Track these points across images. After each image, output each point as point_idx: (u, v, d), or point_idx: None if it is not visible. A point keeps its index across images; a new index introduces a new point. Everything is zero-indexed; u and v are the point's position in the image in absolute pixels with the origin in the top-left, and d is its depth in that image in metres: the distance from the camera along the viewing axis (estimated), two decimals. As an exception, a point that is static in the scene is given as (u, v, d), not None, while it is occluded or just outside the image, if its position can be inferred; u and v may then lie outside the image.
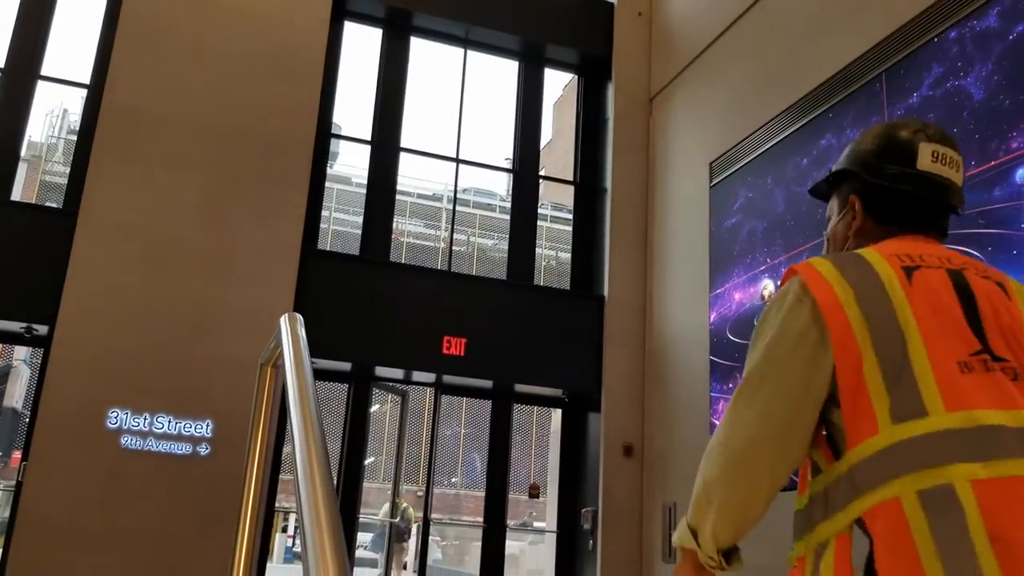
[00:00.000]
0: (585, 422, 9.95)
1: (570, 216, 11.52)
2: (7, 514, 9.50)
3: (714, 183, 9.12)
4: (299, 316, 1.97)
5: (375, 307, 9.24)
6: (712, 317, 8.68)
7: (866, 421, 1.33)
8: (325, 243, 12.99)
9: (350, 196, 17.55)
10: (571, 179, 11.09)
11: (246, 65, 9.19)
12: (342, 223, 17.89)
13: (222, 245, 8.68)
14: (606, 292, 10.08)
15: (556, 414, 10.44)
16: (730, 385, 8.18)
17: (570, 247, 10.94)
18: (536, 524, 13.09)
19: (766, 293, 8.07)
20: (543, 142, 11.31)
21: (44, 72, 9.21)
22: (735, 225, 8.67)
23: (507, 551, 9.84)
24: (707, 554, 1.50)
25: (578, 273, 10.54)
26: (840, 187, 1.71)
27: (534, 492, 10.07)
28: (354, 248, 10.36)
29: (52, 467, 7.66)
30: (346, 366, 9.28)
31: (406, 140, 10.33)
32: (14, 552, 7.46)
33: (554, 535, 9.90)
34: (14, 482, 8.13)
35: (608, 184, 10.48)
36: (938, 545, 1.19)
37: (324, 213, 10.45)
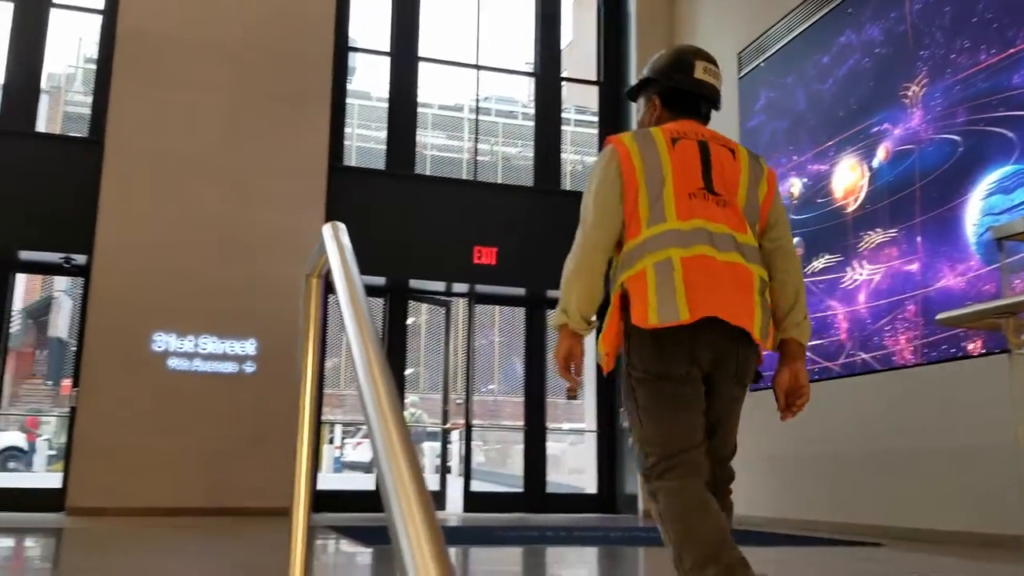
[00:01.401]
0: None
1: (595, 118, 11.33)
2: (64, 439, 9.85)
3: (742, 74, 8.93)
4: (341, 224, 1.97)
5: (404, 221, 9.24)
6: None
7: (635, 226, 2.28)
8: (350, 159, 12.89)
9: (371, 111, 17.36)
10: (595, 79, 10.86)
11: (258, -20, 9.00)
12: (365, 139, 17.76)
13: (248, 165, 8.68)
14: (635, 193, 10.00)
15: (590, 317, 10.50)
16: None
17: (596, 150, 10.80)
18: (575, 425, 13.35)
19: (795, 191, 7.99)
20: (564, 43, 11.04)
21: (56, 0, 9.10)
22: (757, 126, 8.64)
23: (548, 452, 10.07)
24: (575, 323, 2.30)
25: (606, 176, 10.43)
26: (645, 90, 2.58)
27: (572, 394, 10.24)
28: (379, 163, 10.30)
29: (102, 392, 7.88)
30: (380, 280, 9.35)
31: (424, 50, 10.13)
32: (74, 474, 7.76)
33: (594, 435, 10.09)
34: (68, 408, 8.40)
35: (632, 81, 10.25)
36: (658, 286, 2.16)
37: (347, 130, 10.34)
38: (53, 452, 14.27)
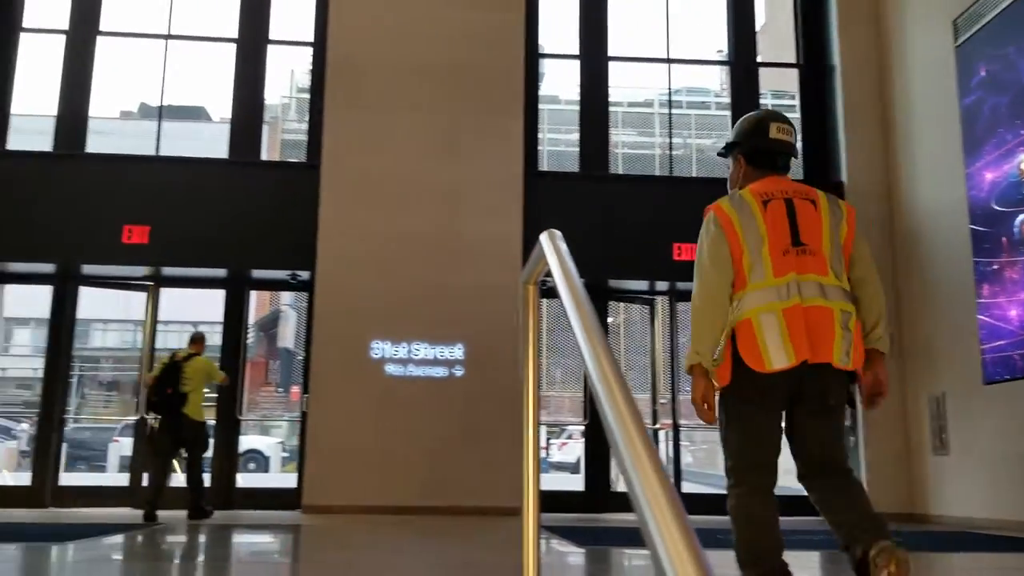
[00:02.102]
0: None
1: (795, 102, 10.84)
2: (296, 442, 10.61)
3: (958, 43, 8.23)
4: (557, 232, 2.00)
5: (602, 221, 9.26)
6: (968, 191, 7.94)
7: (740, 279, 2.79)
8: (543, 164, 13.09)
9: (561, 115, 17.53)
10: (793, 62, 10.40)
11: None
12: (556, 142, 17.95)
13: (452, 177, 9.00)
14: (844, 178, 9.48)
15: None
16: (1000, 256, 7.50)
17: (798, 135, 10.32)
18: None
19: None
20: (757, 25, 10.64)
21: (272, 36, 9.87)
22: (975, 102, 7.95)
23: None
24: (707, 361, 2.75)
25: (810, 161, 9.96)
26: (732, 151, 3.12)
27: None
28: (572, 165, 10.38)
29: (329, 397, 8.44)
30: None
31: (613, 49, 10.10)
32: (307, 475, 8.35)
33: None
34: (298, 413, 9.06)
35: (836, 61, 9.74)
36: (767, 336, 2.68)
37: (538, 135, 10.50)
38: (286, 454, 15.49)
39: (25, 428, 14.74)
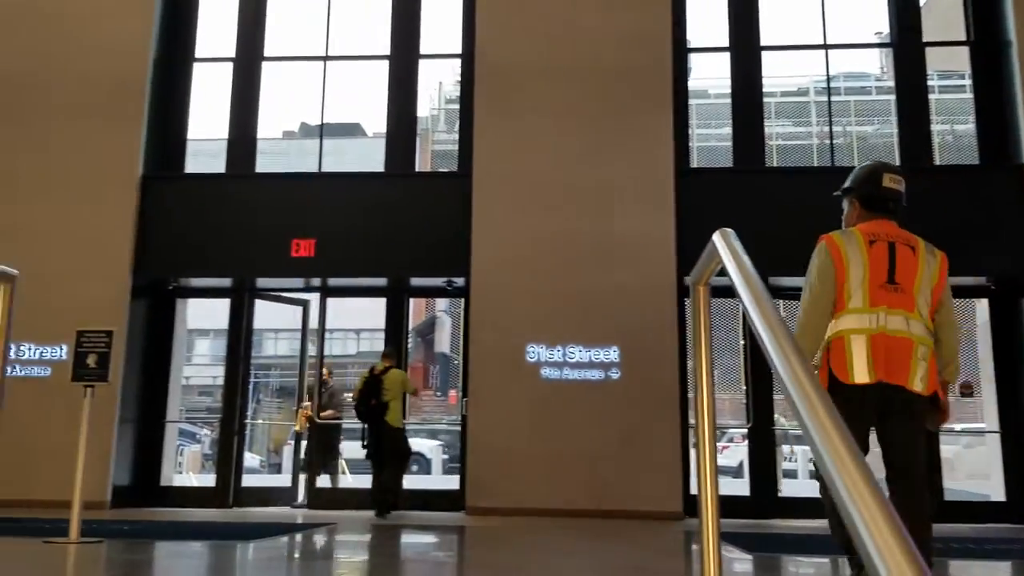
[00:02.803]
0: (1018, 309, 8.85)
1: (965, 82, 10.15)
2: (457, 446, 10.80)
3: None
4: (730, 230, 1.94)
5: (758, 216, 8.95)
6: None
7: (840, 303, 3.32)
8: (695, 161, 12.86)
9: (711, 109, 17.13)
10: (963, 39, 9.73)
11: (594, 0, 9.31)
12: (706, 138, 17.56)
13: (603, 178, 8.96)
14: (1025, 159, 8.79)
15: (981, 305, 9.37)
16: None
17: (970, 116, 9.65)
18: (971, 425, 11.98)
19: None
20: (921, 2, 10.02)
21: (422, 51, 10.15)
22: None
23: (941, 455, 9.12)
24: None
25: (986, 144, 9.28)
26: (848, 195, 3.61)
27: (966, 391, 9.17)
28: (725, 160, 10.11)
29: (487, 401, 8.58)
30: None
31: (766, 38, 9.77)
32: (469, 477, 8.51)
33: (996, 435, 8.97)
34: (457, 417, 9.25)
35: (1012, 35, 9.03)
36: (855, 355, 3.23)
37: (688, 131, 10.29)
38: (447, 457, 15.90)
39: (207, 433, 15.81)
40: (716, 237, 1.93)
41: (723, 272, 1.87)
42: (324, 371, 9.81)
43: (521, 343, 8.63)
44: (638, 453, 8.24)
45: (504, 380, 8.59)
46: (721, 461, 19.12)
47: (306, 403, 9.49)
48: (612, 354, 8.57)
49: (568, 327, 8.65)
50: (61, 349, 8.63)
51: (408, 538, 6.75)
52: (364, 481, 9.29)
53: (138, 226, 9.26)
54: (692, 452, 13.83)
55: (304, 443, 9.82)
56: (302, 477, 9.64)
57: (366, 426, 8.40)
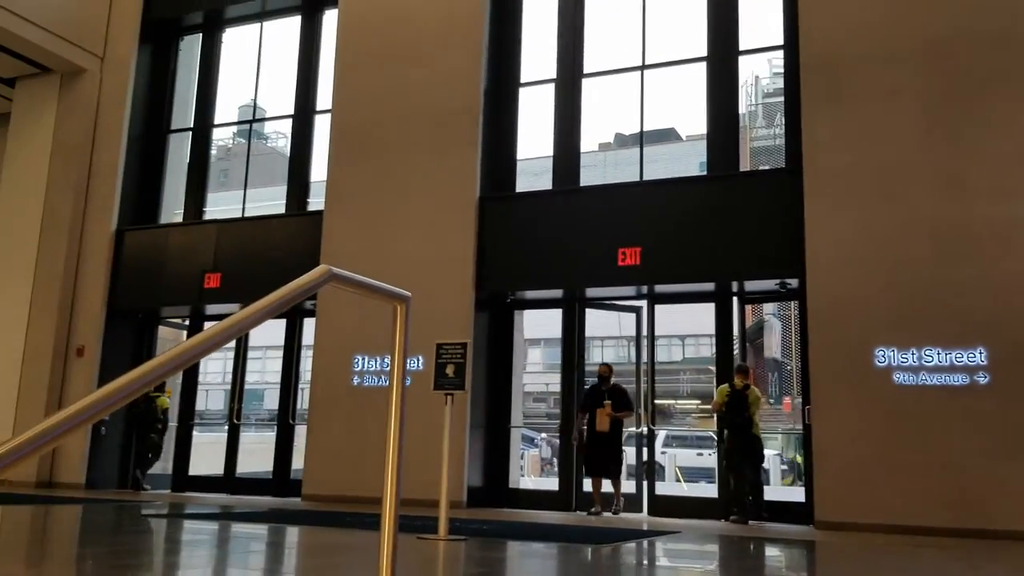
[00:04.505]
0: None
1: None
2: (793, 455, 10.32)
3: None
4: None
5: None
6: None
7: None
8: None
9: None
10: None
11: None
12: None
13: (952, 162, 8.11)
14: None
15: None
16: None
17: None
18: None
19: None
20: None
21: (741, 47, 9.87)
22: None
23: None
24: None
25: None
26: None
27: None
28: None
29: (832, 409, 8.07)
30: None
31: None
32: (817, 489, 8.03)
33: None
34: (792, 424, 8.81)
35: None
36: None
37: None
38: (785, 467, 15.23)
39: (544, 437, 16.57)
40: None
41: None
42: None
43: (868, 346, 8.02)
44: (1018, 467, 7.31)
45: (851, 387, 8.03)
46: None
47: (606, 401, 9.35)
48: (978, 356, 7.68)
49: (922, 327, 7.90)
50: (418, 360, 9.47)
51: (759, 551, 6.52)
52: (696, 489, 9.16)
53: (478, 244, 9.95)
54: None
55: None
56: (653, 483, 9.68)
57: (725, 433, 8.95)
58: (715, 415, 9.25)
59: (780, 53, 9.81)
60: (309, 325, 10.97)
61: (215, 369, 18.92)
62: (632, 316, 10.19)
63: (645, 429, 9.67)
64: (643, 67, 10.32)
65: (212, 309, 11.91)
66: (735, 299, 9.60)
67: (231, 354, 12.21)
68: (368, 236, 10.29)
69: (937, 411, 7.71)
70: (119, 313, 11.95)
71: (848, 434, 7.92)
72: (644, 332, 10.01)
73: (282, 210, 11.86)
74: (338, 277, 2.43)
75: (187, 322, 12.62)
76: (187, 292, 11.61)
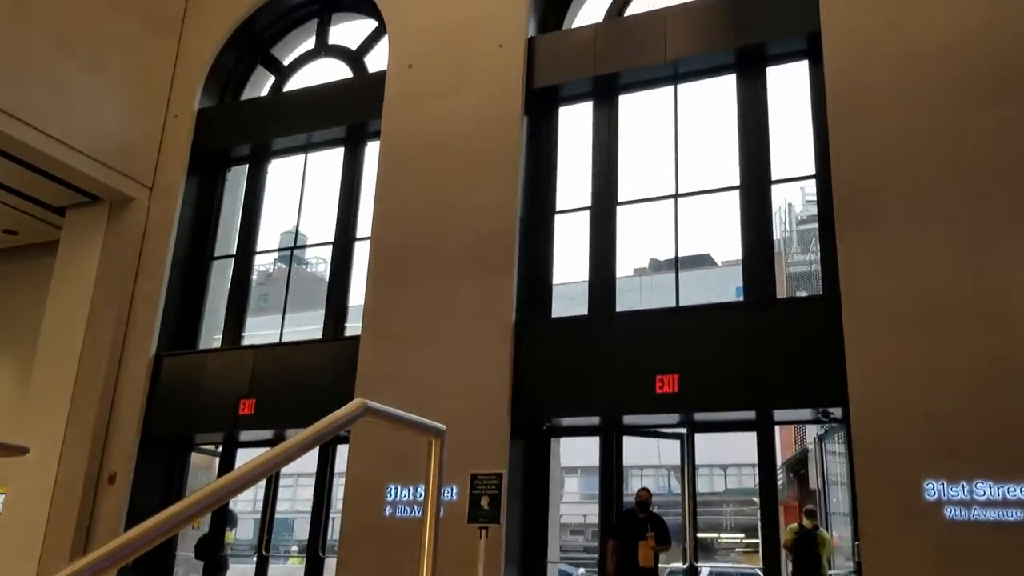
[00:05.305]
0: None
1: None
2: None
3: None
4: None
5: None
6: None
7: None
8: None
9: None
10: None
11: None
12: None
13: (990, 289, 7.97)
14: None
15: None
16: None
17: None
18: None
19: None
20: None
21: (774, 176, 9.99)
22: None
23: None
24: None
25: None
26: None
27: None
28: None
29: (881, 545, 7.69)
30: None
31: None
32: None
33: None
34: (844, 560, 8.39)
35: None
36: None
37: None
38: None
39: (583, 573, 15.94)
40: None
41: None
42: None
43: (916, 478, 7.69)
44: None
45: (899, 519, 7.67)
46: None
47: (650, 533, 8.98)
48: (1033, 490, 7.33)
49: (970, 458, 7.58)
50: (452, 490, 9.25)
51: None
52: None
53: (513, 370, 9.87)
54: None
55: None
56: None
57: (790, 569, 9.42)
58: (784, 551, 9.52)
59: (812, 182, 9.91)
60: (342, 452, 10.85)
61: (245, 497, 18.72)
62: (672, 444, 9.96)
63: (687, 564, 9.27)
64: (676, 195, 10.44)
65: (246, 435, 11.85)
66: (776, 428, 9.37)
67: (262, 482, 12.05)
68: (403, 361, 10.27)
69: (993, 551, 7.31)
70: (152, 439, 11.93)
71: (898, 571, 7.51)
72: (685, 460, 9.75)
73: (319, 335, 11.94)
74: (373, 411, 2.39)
75: (220, 448, 12.55)
76: (221, 418, 11.59)
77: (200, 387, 11.88)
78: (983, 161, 8.33)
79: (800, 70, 10.20)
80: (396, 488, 9.80)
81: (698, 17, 10.64)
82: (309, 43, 13.90)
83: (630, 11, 11.45)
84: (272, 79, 13.94)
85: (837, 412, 8.68)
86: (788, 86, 10.45)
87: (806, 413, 9.26)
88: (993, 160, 8.29)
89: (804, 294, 14.50)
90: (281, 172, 13.62)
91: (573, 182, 11.23)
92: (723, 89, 10.70)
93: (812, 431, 15.23)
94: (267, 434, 11.60)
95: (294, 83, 13.65)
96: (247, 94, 13.88)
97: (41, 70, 11.50)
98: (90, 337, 12.27)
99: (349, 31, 13.65)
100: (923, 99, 8.74)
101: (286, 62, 13.92)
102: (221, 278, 13.15)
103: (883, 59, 9.02)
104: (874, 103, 8.94)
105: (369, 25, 13.20)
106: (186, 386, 11.96)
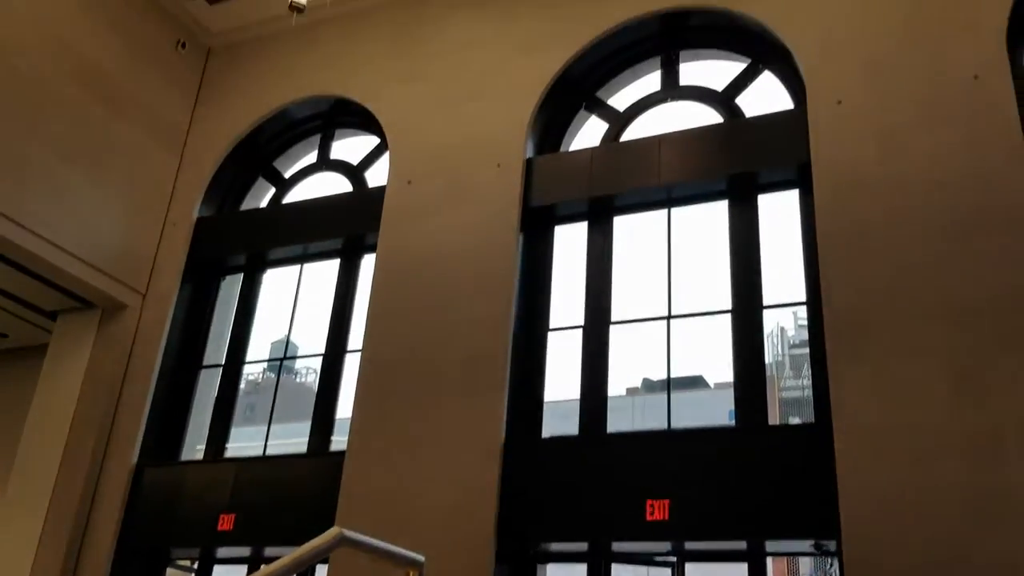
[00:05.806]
0: None
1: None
2: None
3: None
4: None
5: None
6: None
7: None
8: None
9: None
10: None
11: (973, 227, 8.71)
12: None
13: (983, 424, 7.89)
14: None
15: None
16: None
17: None
18: None
19: None
20: None
21: (765, 302, 10.05)
22: None
23: None
24: None
25: None
26: None
27: None
28: None
29: None
30: None
31: None
32: None
33: None
34: None
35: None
36: None
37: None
38: None
39: None
40: None
41: None
42: None
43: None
44: None
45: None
46: None
47: None
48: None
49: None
50: (432, 617, 8.90)
51: None
52: None
53: (500, 491, 9.64)
54: None
55: None
56: None
57: None
58: None
59: (804, 308, 9.95)
60: (321, 572, 10.48)
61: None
62: (662, 572, 9.64)
63: None
64: (669, 316, 10.47)
65: (223, 552, 11.47)
66: (768, 559, 9.10)
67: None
68: (388, 481, 10.05)
69: None
70: (128, 551, 11.53)
71: None
72: (674, 592, 9.43)
73: (304, 448, 11.72)
74: (350, 541, 2.31)
75: (195, 564, 12.12)
76: (199, 533, 11.23)
77: (179, 499, 11.57)
78: (971, 292, 8.39)
79: (791, 199, 10.41)
80: (375, 613, 9.42)
81: (692, 144, 10.93)
82: (311, 157, 14.20)
83: (626, 137, 11.76)
84: (272, 190, 14.17)
85: (831, 546, 8.44)
86: (779, 212, 10.65)
87: (799, 544, 9.00)
88: (982, 290, 8.35)
89: (797, 420, 14.36)
90: (276, 282, 13.68)
91: (567, 300, 11.29)
92: (716, 213, 10.90)
93: (806, 564, 14.86)
94: (244, 551, 11.23)
95: (294, 195, 13.87)
96: (247, 204, 14.07)
97: (43, 176, 11.67)
98: (71, 445, 12.02)
99: (351, 146, 13.97)
100: (913, 230, 8.87)
101: (287, 174, 14.18)
102: (208, 387, 13.00)
103: (872, 189, 9.21)
104: (864, 232, 9.07)
105: (371, 141, 13.52)
106: (165, 498, 11.65)
